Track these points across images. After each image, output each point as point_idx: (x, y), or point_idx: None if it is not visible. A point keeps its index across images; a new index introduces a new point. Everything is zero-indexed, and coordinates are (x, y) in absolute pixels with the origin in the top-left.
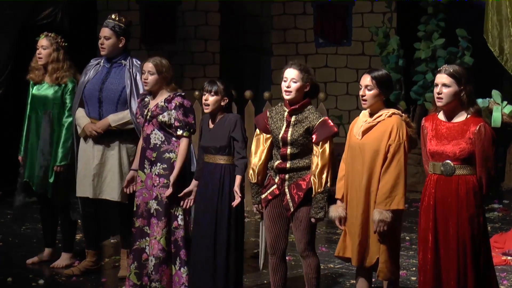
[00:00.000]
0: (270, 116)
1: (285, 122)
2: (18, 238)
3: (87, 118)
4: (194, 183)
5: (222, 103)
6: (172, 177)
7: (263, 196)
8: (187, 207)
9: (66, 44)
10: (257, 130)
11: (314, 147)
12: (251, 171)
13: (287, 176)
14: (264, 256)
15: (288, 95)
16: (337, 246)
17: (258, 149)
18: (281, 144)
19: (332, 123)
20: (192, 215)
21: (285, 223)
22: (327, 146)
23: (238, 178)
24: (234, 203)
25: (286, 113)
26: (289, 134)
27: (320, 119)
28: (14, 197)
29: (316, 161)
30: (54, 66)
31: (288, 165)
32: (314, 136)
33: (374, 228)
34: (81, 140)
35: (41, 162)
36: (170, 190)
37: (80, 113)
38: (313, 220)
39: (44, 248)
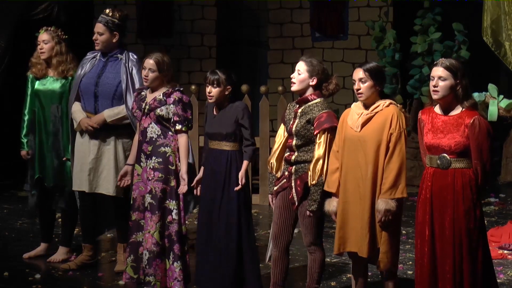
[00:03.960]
0: (288, 108)
1: (293, 114)
2: (14, 232)
3: (83, 112)
4: (202, 170)
5: (226, 93)
6: (183, 174)
7: (275, 188)
8: (200, 194)
9: (66, 36)
10: (282, 123)
11: (315, 140)
12: (270, 161)
13: (293, 169)
14: (271, 249)
15: (292, 85)
16: (335, 243)
17: (279, 141)
18: (289, 135)
19: (330, 117)
20: (189, 204)
21: (291, 217)
22: (323, 138)
23: (245, 163)
24: (237, 188)
25: (296, 105)
26: (294, 125)
27: (320, 112)
28: (28, 198)
29: (314, 153)
30: (58, 59)
31: (293, 157)
32: (314, 129)
33: (379, 218)
34: (77, 134)
35: (54, 155)
36: (185, 188)
37: (76, 107)
38: (307, 213)
39: (40, 243)
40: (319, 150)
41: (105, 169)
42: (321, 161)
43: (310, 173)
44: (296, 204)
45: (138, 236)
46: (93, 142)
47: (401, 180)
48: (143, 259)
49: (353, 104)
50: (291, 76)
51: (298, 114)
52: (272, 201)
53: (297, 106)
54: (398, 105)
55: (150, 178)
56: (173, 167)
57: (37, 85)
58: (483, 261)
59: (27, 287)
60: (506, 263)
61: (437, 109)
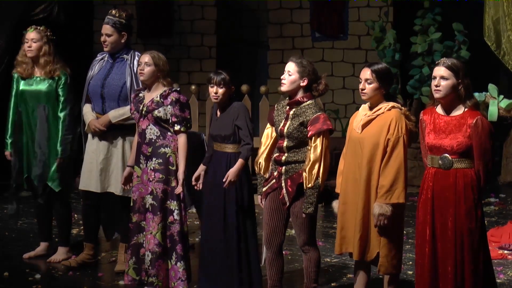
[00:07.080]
0: (276, 109)
1: (285, 115)
2: (14, 232)
3: (92, 114)
4: (201, 167)
5: (230, 93)
6: (180, 174)
7: (264, 189)
8: (198, 189)
9: (54, 37)
10: (268, 124)
11: (309, 142)
12: (258, 161)
13: (283, 169)
14: (265, 251)
15: (282, 86)
16: (335, 244)
17: (266, 142)
18: (279, 136)
19: (325, 119)
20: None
21: (282, 218)
22: (319, 141)
23: (239, 162)
24: (225, 185)
25: (287, 107)
26: (286, 127)
27: (315, 114)
28: (8, 204)
29: (309, 156)
30: (46, 59)
31: (283, 157)
32: (308, 131)
33: (374, 222)
34: (89, 135)
35: (40, 156)
36: (180, 189)
37: (86, 108)
38: (303, 215)
39: (40, 243)
40: (315, 153)
41: (115, 168)
42: (317, 164)
43: (306, 175)
44: (287, 204)
45: (139, 237)
46: (102, 142)
47: (397, 185)
48: (145, 260)
49: (362, 106)
50: (281, 77)
51: (290, 116)
52: (261, 202)
53: (288, 107)
54: (403, 108)
55: (151, 179)
56: (174, 168)
57: (23, 85)
58: (484, 261)
59: (27, 287)
60: (506, 263)
61: (439, 109)
